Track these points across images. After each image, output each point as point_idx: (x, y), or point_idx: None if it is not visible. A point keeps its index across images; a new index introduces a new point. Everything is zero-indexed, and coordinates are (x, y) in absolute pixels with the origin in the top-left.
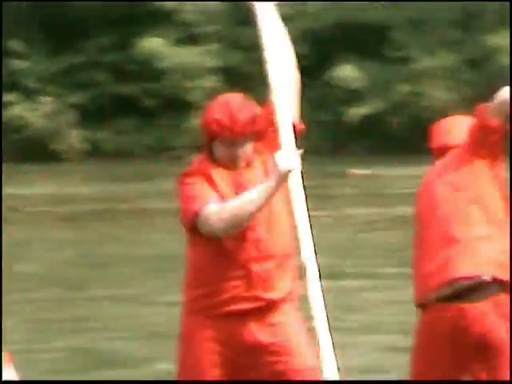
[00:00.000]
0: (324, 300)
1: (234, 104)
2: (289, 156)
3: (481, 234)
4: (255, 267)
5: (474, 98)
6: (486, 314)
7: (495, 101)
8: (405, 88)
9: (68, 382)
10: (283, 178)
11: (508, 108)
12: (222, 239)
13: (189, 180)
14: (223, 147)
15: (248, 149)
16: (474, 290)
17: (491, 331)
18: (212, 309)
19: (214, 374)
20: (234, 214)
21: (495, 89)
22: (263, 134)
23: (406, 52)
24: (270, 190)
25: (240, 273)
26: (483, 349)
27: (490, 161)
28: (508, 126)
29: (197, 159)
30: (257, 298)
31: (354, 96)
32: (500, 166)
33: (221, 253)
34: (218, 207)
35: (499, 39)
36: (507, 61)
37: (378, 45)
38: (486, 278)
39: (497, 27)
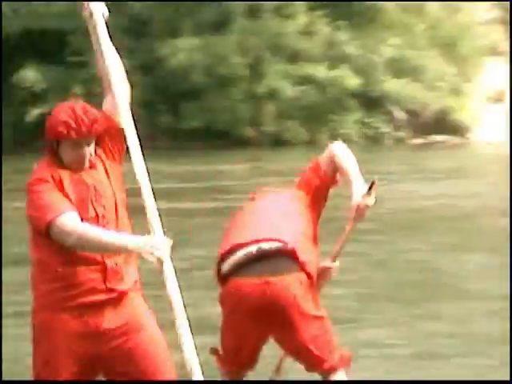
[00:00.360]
0: None
1: (78, 107)
2: (159, 245)
3: (285, 229)
4: (109, 262)
5: (144, 100)
6: (291, 288)
7: (327, 154)
8: (82, 89)
9: (76, 382)
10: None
11: (337, 163)
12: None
13: (39, 187)
14: (69, 148)
15: (91, 149)
16: (278, 260)
17: (294, 304)
18: (68, 301)
19: (71, 362)
20: (87, 241)
21: (164, 92)
22: (103, 138)
23: (84, 57)
24: (126, 250)
25: (96, 267)
26: (286, 319)
27: (311, 200)
28: (337, 179)
29: (42, 163)
30: (111, 290)
31: (35, 98)
32: (319, 212)
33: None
34: (74, 223)
35: (167, 46)
36: (174, 65)
37: (59, 50)
38: (288, 244)
39: (164, 35)
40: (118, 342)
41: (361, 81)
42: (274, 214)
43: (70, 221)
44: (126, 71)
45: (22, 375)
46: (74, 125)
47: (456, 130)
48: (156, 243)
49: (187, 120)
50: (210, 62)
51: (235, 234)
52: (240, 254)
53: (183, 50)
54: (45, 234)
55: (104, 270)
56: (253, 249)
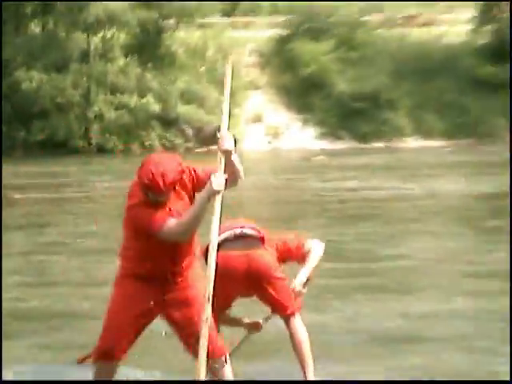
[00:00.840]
0: None
1: (158, 173)
2: (221, 180)
3: (260, 230)
4: (174, 255)
5: (6, 120)
6: (265, 257)
7: (310, 244)
8: None
9: (77, 383)
10: (213, 195)
11: (308, 255)
12: (154, 242)
13: (139, 208)
14: (151, 196)
15: (168, 196)
16: (253, 240)
17: (269, 269)
18: (144, 274)
19: (139, 307)
20: (188, 224)
21: (20, 113)
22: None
23: None
24: (206, 203)
25: (166, 259)
26: (263, 281)
27: (279, 249)
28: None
29: (135, 192)
30: (175, 273)
31: None
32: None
33: (152, 249)
34: (176, 221)
35: (24, 76)
36: (28, 91)
37: None
38: (261, 234)
39: (22, 69)
40: (175, 296)
41: (161, 107)
42: (250, 224)
43: (170, 223)
44: None
45: None
46: (151, 187)
47: None
48: (214, 184)
49: (36, 135)
50: (54, 93)
51: (223, 228)
52: (227, 234)
53: (35, 81)
54: (156, 234)
55: (172, 259)
56: (237, 231)
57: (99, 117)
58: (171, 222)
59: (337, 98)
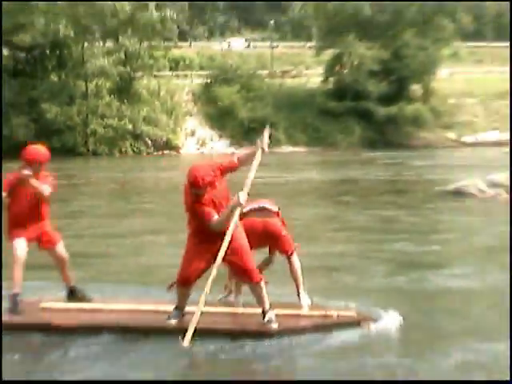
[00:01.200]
0: None
1: (199, 176)
2: (245, 196)
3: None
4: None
5: (35, 134)
6: (277, 223)
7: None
8: None
9: (72, 383)
10: (236, 207)
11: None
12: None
13: (192, 203)
14: (194, 190)
15: (206, 190)
16: (270, 212)
17: (280, 231)
18: (204, 237)
19: (205, 255)
20: (220, 224)
21: (43, 131)
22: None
23: None
24: (232, 213)
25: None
26: (275, 237)
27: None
28: None
29: (186, 190)
30: (218, 239)
31: None
32: None
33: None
34: (216, 219)
35: (47, 108)
36: (49, 119)
37: None
38: (276, 210)
39: (45, 103)
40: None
41: (131, 126)
42: (269, 202)
43: (213, 220)
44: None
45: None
46: (194, 184)
47: (174, 148)
48: (236, 200)
49: (55, 144)
50: (65, 119)
51: (251, 202)
52: (253, 206)
53: (54, 112)
54: (207, 222)
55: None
56: (260, 205)
57: (93, 133)
58: (214, 218)
59: (240, 121)
